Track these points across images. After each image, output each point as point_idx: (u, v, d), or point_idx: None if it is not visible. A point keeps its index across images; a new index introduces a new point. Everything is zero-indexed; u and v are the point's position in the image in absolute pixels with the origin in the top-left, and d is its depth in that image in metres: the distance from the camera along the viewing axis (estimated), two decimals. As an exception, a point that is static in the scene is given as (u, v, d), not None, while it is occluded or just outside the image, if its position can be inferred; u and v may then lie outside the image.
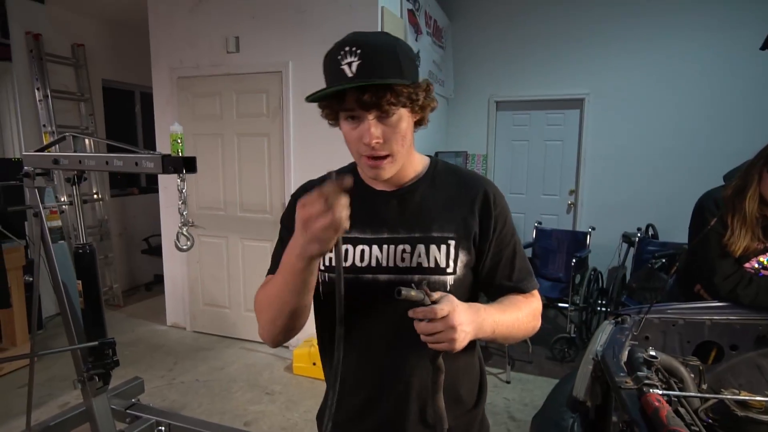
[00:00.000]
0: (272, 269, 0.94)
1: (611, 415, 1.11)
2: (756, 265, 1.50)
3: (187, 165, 1.49)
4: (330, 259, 0.87)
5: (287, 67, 3.26)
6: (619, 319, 1.46)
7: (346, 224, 0.63)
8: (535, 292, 0.92)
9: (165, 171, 1.49)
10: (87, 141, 4.04)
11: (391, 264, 0.85)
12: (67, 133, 1.83)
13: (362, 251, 0.86)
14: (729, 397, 0.98)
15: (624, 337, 1.34)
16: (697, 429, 0.88)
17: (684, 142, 4.18)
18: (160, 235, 3.95)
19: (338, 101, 0.76)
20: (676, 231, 3.29)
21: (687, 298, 1.61)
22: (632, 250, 3.59)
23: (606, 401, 1.19)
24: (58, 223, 1.92)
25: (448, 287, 0.83)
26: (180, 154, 1.51)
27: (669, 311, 1.48)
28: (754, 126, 3.82)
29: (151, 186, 4.92)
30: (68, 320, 1.89)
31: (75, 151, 1.78)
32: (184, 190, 1.54)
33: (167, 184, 3.75)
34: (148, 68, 3.69)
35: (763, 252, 1.49)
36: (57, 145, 1.91)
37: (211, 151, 3.54)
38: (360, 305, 0.85)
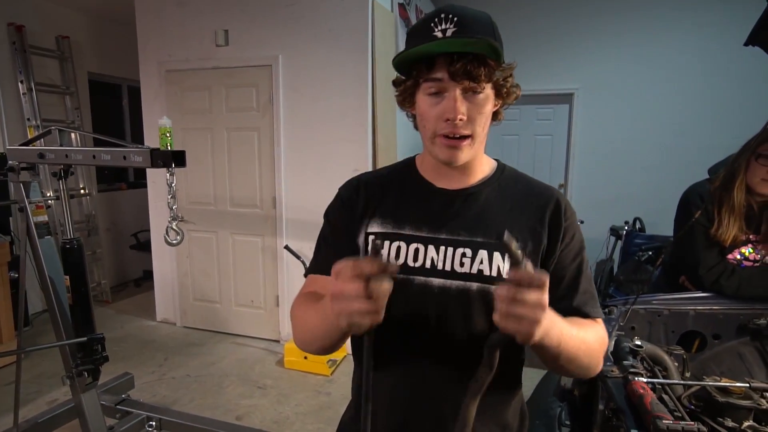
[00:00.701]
0: (315, 266, 0.85)
1: (598, 403, 1.13)
2: (738, 257, 1.54)
3: (177, 159, 1.48)
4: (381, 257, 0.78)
5: (277, 61, 3.23)
6: (606, 310, 1.48)
7: (381, 315, 0.56)
8: (601, 321, 0.80)
9: (154, 165, 1.48)
10: (73, 135, 3.98)
11: (447, 267, 0.76)
12: (53, 127, 1.81)
13: (416, 250, 0.77)
14: (710, 383, 1.01)
15: (611, 328, 1.37)
16: (680, 415, 0.91)
17: (671, 136, 4.23)
18: (148, 230, 3.92)
19: (427, 68, 0.70)
20: (662, 224, 3.34)
21: (672, 290, 1.65)
22: (620, 243, 3.64)
23: (593, 390, 1.22)
24: (44, 218, 1.89)
25: None
26: (169, 148, 1.50)
27: (655, 302, 1.51)
28: (740, 121, 3.86)
29: (139, 181, 4.87)
30: (56, 316, 1.88)
31: (61, 145, 1.76)
32: (173, 185, 1.53)
33: (156, 178, 3.72)
34: (135, 61, 3.64)
35: (745, 243, 1.53)
36: (42, 139, 1.88)
37: (200, 145, 3.51)
38: (406, 311, 0.76)
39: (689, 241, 1.56)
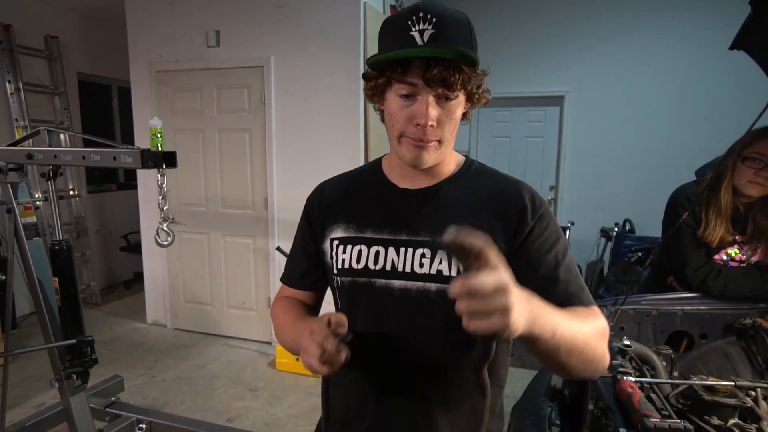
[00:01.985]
0: (285, 276, 0.95)
1: (587, 402, 1.14)
2: (725, 257, 1.56)
3: (167, 160, 1.47)
4: (343, 261, 0.80)
5: (269, 62, 3.23)
6: (596, 310, 1.50)
7: (333, 370, 0.66)
8: (596, 309, 0.73)
9: (144, 166, 1.47)
10: (63, 136, 3.93)
11: (407, 269, 0.76)
12: (41, 127, 1.79)
13: (377, 253, 0.78)
14: (697, 382, 1.02)
15: (600, 328, 1.38)
16: (668, 413, 0.92)
17: (661, 138, 4.28)
18: (139, 232, 3.88)
19: (402, 70, 0.68)
20: (652, 226, 3.38)
21: (661, 290, 1.67)
22: (610, 245, 3.68)
23: (582, 390, 1.23)
24: (32, 219, 1.87)
25: None
26: (159, 149, 1.50)
27: (643, 302, 1.53)
28: (727, 124, 3.91)
29: (129, 182, 4.82)
30: (44, 318, 1.85)
31: (50, 146, 1.74)
32: (164, 186, 1.52)
33: (146, 180, 3.69)
34: (125, 62, 3.61)
35: (732, 244, 1.55)
36: (31, 140, 1.86)
37: (191, 146, 3.49)
38: (369, 314, 0.78)
39: (676, 242, 1.58)
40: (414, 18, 0.66)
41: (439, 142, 0.72)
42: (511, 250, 0.74)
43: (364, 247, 0.78)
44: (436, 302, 0.74)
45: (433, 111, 0.68)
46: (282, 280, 0.96)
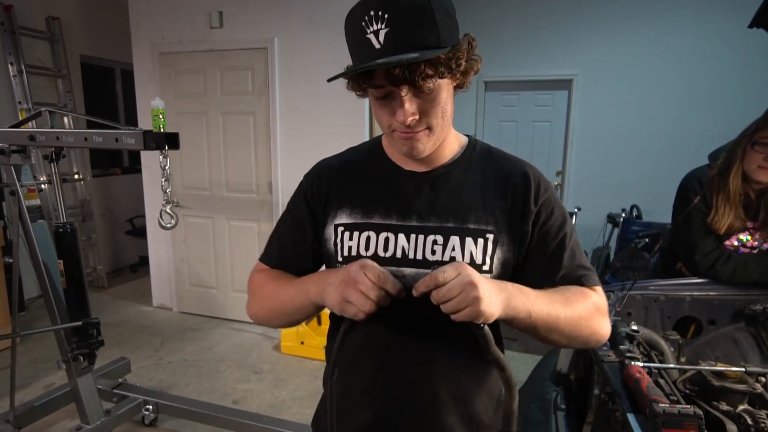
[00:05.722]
0: (265, 256, 0.88)
1: (593, 387, 1.13)
2: (736, 243, 1.53)
3: (170, 141, 1.46)
4: (350, 248, 0.76)
5: (272, 44, 3.18)
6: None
7: (362, 316, 0.64)
8: (598, 289, 0.77)
9: (147, 147, 1.46)
10: (66, 119, 3.92)
11: (419, 256, 0.73)
12: (43, 109, 1.77)
13: (386, 239, 0.75)
14: (706, 368, 1.01)
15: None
16: (676, 399, 0.91)
17: (670, 123, 4.21)
18: (144, 215, 3.89)
19: (367, 78, 0.66)
20: (659, 211, 3.35)
21: (670, 276, 1.65)
22: (617, 231, 3.65)
23: (589, 374, 1.22)
24: (36, 201, 1.87)
25: None
26: (162, 130, 1.48)
27: (651, 288, 1.51)
28: (736, 108, 3.85)
29: (134, 166, 4.82)
30: (50, 300, 1.87)
31: (52, 128, 1.73)
32: (166, 167, 1.51)
33: (150, 163, 3.68)
34: (128, 44, 3.57)
35: (743, 230, 1.52)
36: (34, 122, 1.85)
37: (195, 129, 3.47)
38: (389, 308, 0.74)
39: (686, 226, 1.55)
40: (366, 18, 0.62)
41: (430, 129, 0.69)
42: (517, 233, 0.75)
43: (372, 234, 0.76)
44: None
45: (411, 106, 0.66)
46: (261, 259, 0.89)
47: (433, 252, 0.73)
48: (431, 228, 0.74)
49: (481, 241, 0.73)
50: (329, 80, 0.69)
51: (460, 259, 0.72)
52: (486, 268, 0.73)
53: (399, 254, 0.74)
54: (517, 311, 0.65)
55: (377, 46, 0.62)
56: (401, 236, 0.74)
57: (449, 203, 0.75)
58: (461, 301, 0.60)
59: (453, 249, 0.73)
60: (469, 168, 0.78)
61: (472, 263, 0.72)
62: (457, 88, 0.72)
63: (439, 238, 0.73)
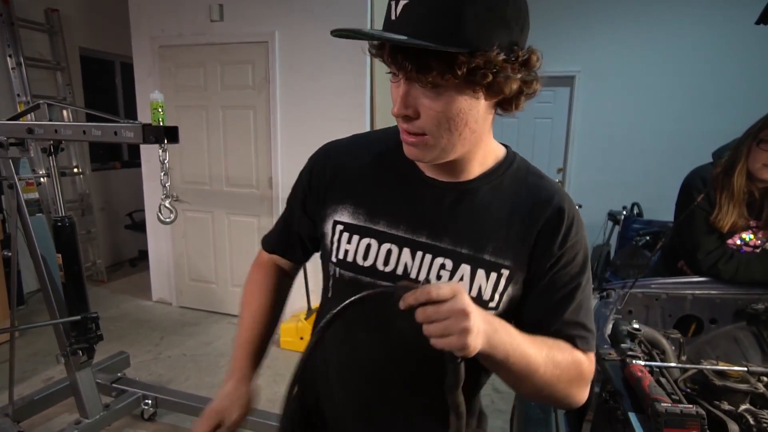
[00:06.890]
0: (263, 240, 0.89)
1: (594, 386, 1.13)
2: (738, 242, 1.53)
3: (169, 135, 1.44)
4: (346, 252, 0.70)
5: (273, 38, 3.15)
6: (605, 293, 1.47)
7: None
8: (591, 355, 0.69)
9: (146, 141, 1.44)
10: (65, 112, 3.90)
11: (421, 278, 0.66)
12: (41, 102, 1.76)
13: (389, 252, 0.67)
14: (708, 367, 1.00)
15: (608, 311, 1.36)
16: (678, 398, 0.90)
17: (672, 121, 4.20)
18: (143, 210, 3.88)
19: (379, 51, 0.58)
20: (661, 209, 3.33)
21: (671, 274, 1.64)
22: (617, 228, 3.64)
23: (589, 373, 1.21)
24: (34, 195, 1.87)
25: None
26: (161, 124, 1.46)
27: (652, 286, 1.51)
28: (739, 107, 3.83)
29: (133, 160, 4.79)
30: (49, 294, 1.86)
31: (50, 120, 1.71)
32: (165, 161, 1.50)
33: (150, 157, 3.66)
34: (127, 37, 3.54)
35: (746, 229, 1.52)
36: (32, 115, 1.83)
37: (195, 123, 3.45)
38: (368, 318, 0.69)
39: (689, 224, 1.54)
40: None
41: (431, 137, 0.59)
42: (533, 271, 0.67)
43: (374, 242, 0.68)
44: None
45: (408, 97, 0.57)
46: (263, 242, 0.89)
47: (439, 277, 0.66)
48: (442, 249, 0.66)
49: (494, 275, 0.65)
50: (332, 32, 0.57)
51: (467, 291, 0.62)
52: (493, 304, 0.66)
53: (400, 271, 0.67)
54: (495, 350, 0.57)
55: (392, 17, 0.55)
56: (406, 251, 0.67)
57: (468, 225, 0.66)
58: (448, 328, 0.52)
59: (461, 279, 0.65)
60: (499, 188, 0.68)
61: (479, 298, 0.65)
62: (500, 107, 0.62)
63: (449, 263, 0.66)
